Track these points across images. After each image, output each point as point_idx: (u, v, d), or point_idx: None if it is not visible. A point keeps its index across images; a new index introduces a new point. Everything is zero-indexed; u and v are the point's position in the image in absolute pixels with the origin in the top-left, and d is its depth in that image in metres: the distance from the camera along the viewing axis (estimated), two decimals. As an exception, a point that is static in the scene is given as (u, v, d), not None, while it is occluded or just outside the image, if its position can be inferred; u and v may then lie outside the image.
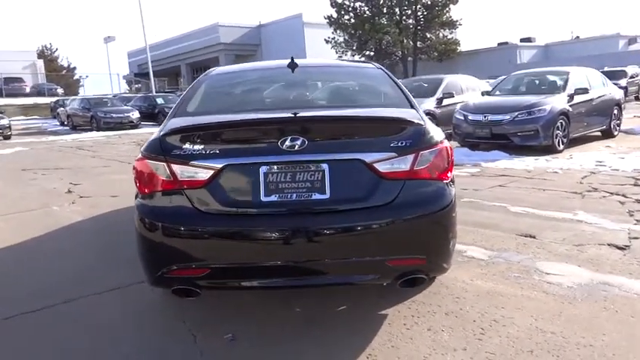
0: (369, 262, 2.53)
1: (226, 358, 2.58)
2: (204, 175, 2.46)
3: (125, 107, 23.55)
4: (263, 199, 2.45)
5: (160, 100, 25.63)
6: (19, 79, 39.20)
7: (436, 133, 2.69)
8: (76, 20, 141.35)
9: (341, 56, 38.58)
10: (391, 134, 2.55)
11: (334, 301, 3.10)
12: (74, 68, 51.09)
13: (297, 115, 2.65)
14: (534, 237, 4.26)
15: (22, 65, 41.67)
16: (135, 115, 22.38)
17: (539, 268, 3.56)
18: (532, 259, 3.73)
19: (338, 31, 38.51)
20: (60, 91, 39.37)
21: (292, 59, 3.51)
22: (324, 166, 2.46)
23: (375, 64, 3.86)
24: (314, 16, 42.94)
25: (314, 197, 2.45)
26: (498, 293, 3.17)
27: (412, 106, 2.99)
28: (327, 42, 38.72)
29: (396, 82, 3.36)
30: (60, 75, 47.63)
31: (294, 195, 2.45)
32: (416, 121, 2.64)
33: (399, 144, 2.51)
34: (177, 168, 2.49)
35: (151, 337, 2.85)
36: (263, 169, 2.45)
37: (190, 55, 51.42)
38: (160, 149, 2.55)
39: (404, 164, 2.50)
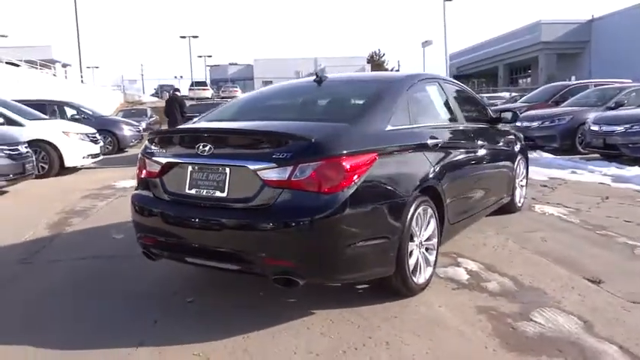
0: (249, 256, 2.89)
1: (180, 310, 3.31)
2: (157, 168, 3.24)
3: None
4: (186, 191, 3.09)
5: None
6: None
7: (330, 147, 2.80)
8: (403, 27, 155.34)
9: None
10: (275, 147, 2.82)
11: (292, 294, 3.41)
12: (397, 71, 56.35)
13: (207, 127, 3.22)
14: (599, 282, 3.53)
15: (353, 70, 48.31)
16: None
17: (532, 313, 3.07)
18: (545, 304, 3.20)
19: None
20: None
21: (317, 75, 3.92)
22: (227, 169, 2.95)
23: (410, 77, 3.86)
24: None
25: (216, 195, 2.97)
26: (440, 323, 2.98)
27: (356, 123, 3.12)
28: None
29: (381, 99, 3.41)
30: (384, 77, 53.09)
31: (205, 191, 3.01)
32: (305, 135, 2.81)
33: (281, 156, 2.77)
34: (147, 162, 3.34)
35: (151, 288, 3.78)
36: (190, 167, 3.09)
37: (508, 55, 50.28)
38: (145, 147, 3.45)
39: (283, 174, 2.76)
